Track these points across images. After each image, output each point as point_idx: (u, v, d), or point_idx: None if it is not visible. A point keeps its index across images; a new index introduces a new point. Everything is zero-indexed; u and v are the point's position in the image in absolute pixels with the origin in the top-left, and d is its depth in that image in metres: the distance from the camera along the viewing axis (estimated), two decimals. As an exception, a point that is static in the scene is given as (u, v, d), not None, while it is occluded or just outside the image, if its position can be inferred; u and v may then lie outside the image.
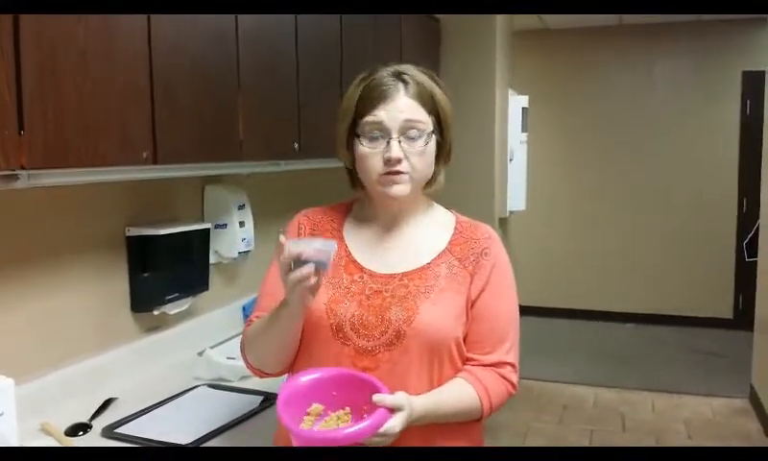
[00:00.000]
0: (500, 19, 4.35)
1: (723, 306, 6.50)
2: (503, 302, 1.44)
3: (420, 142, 1.37)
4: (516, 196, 4.75)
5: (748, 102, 6.23)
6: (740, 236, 6.38)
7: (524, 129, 4.86)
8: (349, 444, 1.18)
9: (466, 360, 1.41)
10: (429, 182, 1.46)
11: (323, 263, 1.23)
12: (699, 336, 6.24)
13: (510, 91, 4.65)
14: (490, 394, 1.38)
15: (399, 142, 1.36)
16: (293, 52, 2.40)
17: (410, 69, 1.41)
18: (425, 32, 4.02)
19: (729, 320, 6.43)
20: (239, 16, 2.06)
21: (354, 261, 1.44)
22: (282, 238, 1.24)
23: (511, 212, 4.74)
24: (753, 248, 5.24)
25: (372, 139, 1.37)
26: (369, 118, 1.37)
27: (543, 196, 6.48)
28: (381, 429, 1.20)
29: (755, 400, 4.59)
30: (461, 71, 4.23)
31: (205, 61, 1.94)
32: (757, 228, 4.98)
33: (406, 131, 1.36)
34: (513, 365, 1.42)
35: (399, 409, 1.23)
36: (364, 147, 1.38)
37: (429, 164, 1.42)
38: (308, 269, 1.22)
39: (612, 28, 6.49)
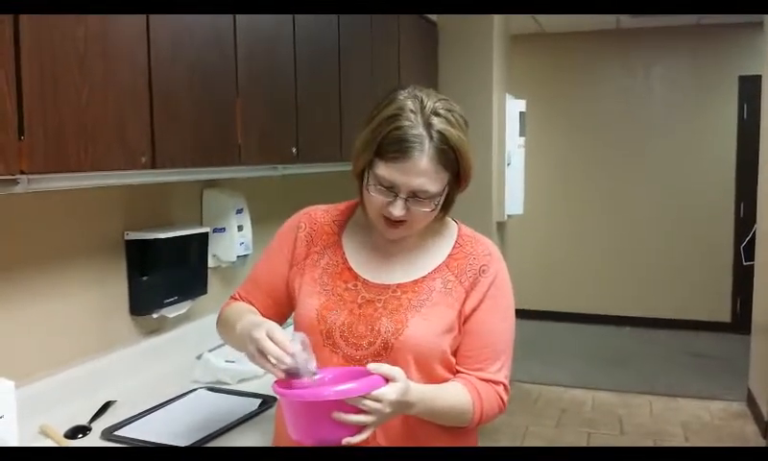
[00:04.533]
0: (497, 23, 4.37)
1: (721, 310, 6.51)
2: (498, 319, 1.42)
3: (427, 205, 1.33)
4: (513, 200, 4.76)
5: (745, 106, 6.25)
6: (738, 240, 6.39)
7: (522, 133, 4.87)
8: (340, 401, 1.16)
9: (456, 374, 1.40)
10: (441, 215, 1.42)
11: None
12: (697, 339, 6.25)
13: (507, 95, 4.66)
14: (483, 403, 1.37)
15: (406, 200, 1.32)
16: (291, 56, 2.41)
17: (442, 120, 1.31)
18: (423, 35, 4.04)
19: (726, 323, 6.45)
20: (237, 20, 2.07)
21: (350, 269, 1.44)
22: (299, 348, 1.23)
23: (509, 216, 4.76)
24: (750, 251, 5.25)
25: (380, 190, 1.33)
26: (382, 172, 1.31)
27: (541, 200, 6.49)
28: (374, 393, 1.17)
29: (752, 403, 4.60)
30: (458, 75, 4.26)
31: (204, 66, 1.96)
32: (755, 231, 4.99)
33: (416, 194, 1.32)
34: (504, 385, 1.41)
35: (394, 379, 1.21)
36: (370, 191, 1.34)
37: (432, 215, 1.37)
38: (268, 368, 1.24)
39: (609, 31, 6.51)
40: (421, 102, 1.32)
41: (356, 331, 1.36)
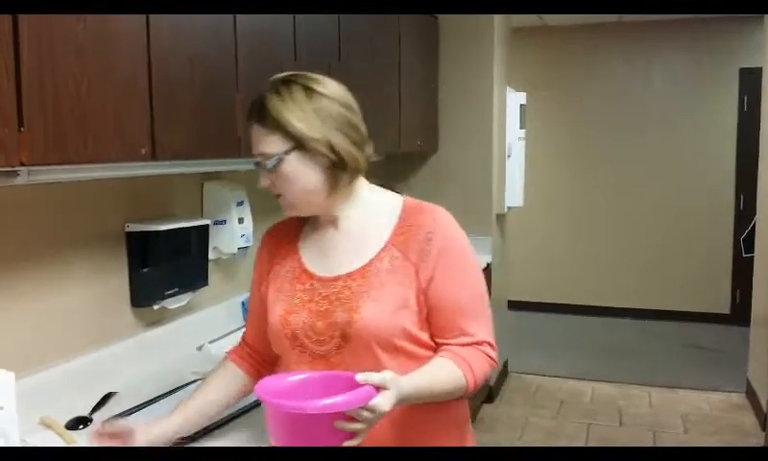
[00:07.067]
0: (498, 17, 4.36)
1: (720, 302, 6.52)
2: (459, 283, 1.41)
3: (272, 169, 1.40)
4: (513, 192, 4.76)
5: (745, 98, 6.25)
6: (737, 232, 6.41)
7: (522, 125, 4.87)
8: (334, 414, 1.15)
9: (436, 348, 1.41)
10: (333, 190, 1.41)
11: None
12: (696, 331, 6.27)
13: (508, 88, 4.66)
14: (473, 368, 1.37)
15: (261, 167, 1.42)
16: (291, 50, 2.41)
17: (271, 93, 1.40)
18: (424, 30, 4.03)
19: (726, 315, 6.47)
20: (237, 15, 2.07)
21: (306, 271, 1.46)
22: None
23: (509, 208, 4.76)
24: (750, 243, 5.26)
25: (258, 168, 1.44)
26: None
27: (541, 192, 6.49)
28: (369, 404, 1.16)
29: (751, 394, 4.62)
30: (459, 68, 4.26)
31: (204, 58, 1.95)
32: (754, 223, 5.00)
33: (261, 162, 1.42)
34: (488, 342, 1.41)
35: (385, 388, 1.20)
36: None
37: (301, 183, 1.39)
38: None
39: (610, 25, 6.50)
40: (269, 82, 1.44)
41: (317, 328, 1.39)
